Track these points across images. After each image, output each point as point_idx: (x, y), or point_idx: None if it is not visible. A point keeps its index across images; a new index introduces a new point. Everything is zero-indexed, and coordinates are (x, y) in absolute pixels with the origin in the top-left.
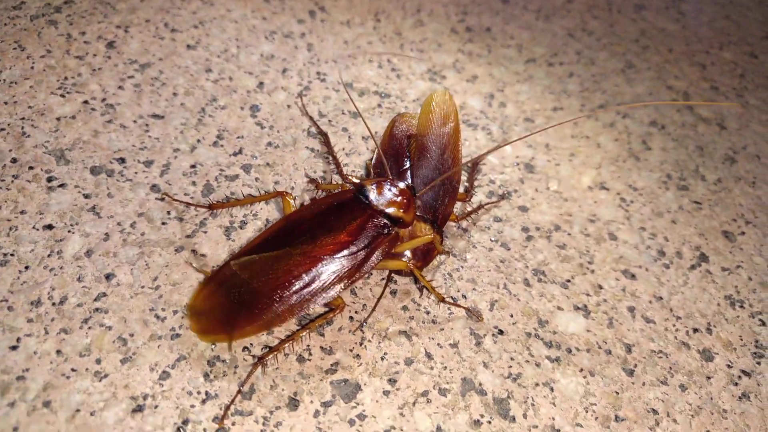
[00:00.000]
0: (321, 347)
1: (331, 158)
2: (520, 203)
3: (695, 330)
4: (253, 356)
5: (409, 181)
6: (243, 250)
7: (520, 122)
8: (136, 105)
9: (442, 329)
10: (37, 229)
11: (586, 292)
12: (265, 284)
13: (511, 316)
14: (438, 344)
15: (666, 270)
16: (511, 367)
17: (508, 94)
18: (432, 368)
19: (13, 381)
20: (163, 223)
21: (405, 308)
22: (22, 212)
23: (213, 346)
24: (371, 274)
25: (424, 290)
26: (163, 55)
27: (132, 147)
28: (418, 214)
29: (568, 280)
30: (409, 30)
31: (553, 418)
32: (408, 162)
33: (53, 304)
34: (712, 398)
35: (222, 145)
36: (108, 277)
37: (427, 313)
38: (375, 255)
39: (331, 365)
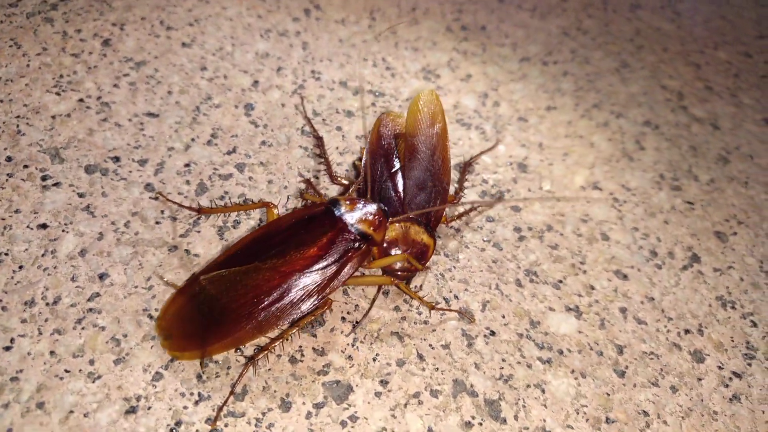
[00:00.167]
0: (313, 348)
1: (323, 161)
2: (512, 203)
3: (687, 331)
4: (245, 357)
5: (400, 183)
6: (213, 263)
7: (513, 121)
8: (131, 103)
9: (434, 330)
10: (32, 228)
11: (578, 292)
12: (234, 300)
13: (503, 317)
14: (430, 345)
15: (658, 270)
16: (502, 368)
17: (502, 93)
18: (424, 369)
19: (7, 382)
20: (157, 223)
21: (397, 309)
22: (16, 211)
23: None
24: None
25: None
26: (159, 53)
27: (126, 146)
28: (411, 216)
29: (560, 281)
30: (404, 28)
31: (544, 420)
32: (397, 163)
33: (47, 304)
34: (702, 400)
35: (216, 144)
36: (102, 276)
37: (419, 314)
38: (346, 269)
39: (323, 366)
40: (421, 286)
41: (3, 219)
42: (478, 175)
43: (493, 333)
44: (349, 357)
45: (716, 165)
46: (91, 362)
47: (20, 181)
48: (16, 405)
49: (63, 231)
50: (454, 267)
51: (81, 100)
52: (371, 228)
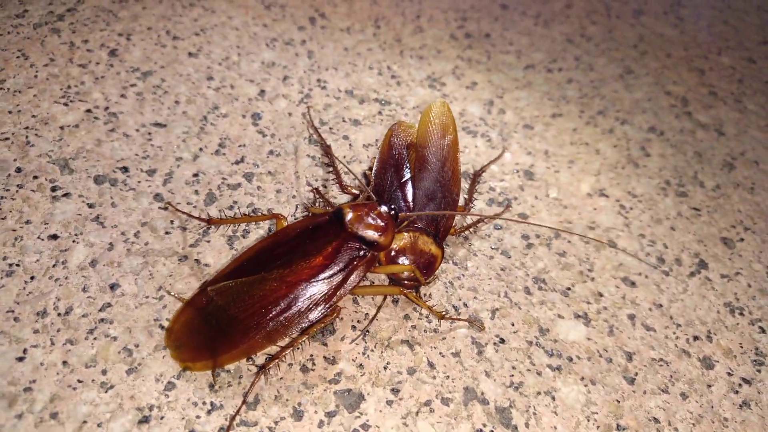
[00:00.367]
0: (324, 357)
1: (332, 170)
2: (520, 210)
3: (695, 338)
4: (256, 366)
5: (410, 193)
6: (221, 274)
7: (519, 129)
8: (138, 113)
9: (444, 338)
10: (42, 239)
11: (586, 300)
12: (242, 311)
13: (512, 324)
14: (440, 353)
15: (665, 277)
16: (512, 375)
17: (507, 100)
18: (434, 377)
19: (20, 392)
20: (167, 233)
21: (407, 317)
22: (27, 222)
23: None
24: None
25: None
26: (165, 62)
27: (135, 156)
28: (419, 226)
29: (569, 288)
30: (409, 36)
31: (555, 427)
32: (407, 173)
33: (59, 314)
34: (712, 406)
35: (224, 154)
36: (113, 287)
37: (429, 321)
38: (352, 277)
39: (335, 375)
40: (430, 294)
41: (14, 230)
42: (485, 182)
43: (502, 341)
44: (360, 365)
45: (722, 171)
46: (104, 372)
47: (30, 192)
48: (29, 415)
49: (73, 242)
50: (463, 275)
51: (89, 110)
52: (377, 233)
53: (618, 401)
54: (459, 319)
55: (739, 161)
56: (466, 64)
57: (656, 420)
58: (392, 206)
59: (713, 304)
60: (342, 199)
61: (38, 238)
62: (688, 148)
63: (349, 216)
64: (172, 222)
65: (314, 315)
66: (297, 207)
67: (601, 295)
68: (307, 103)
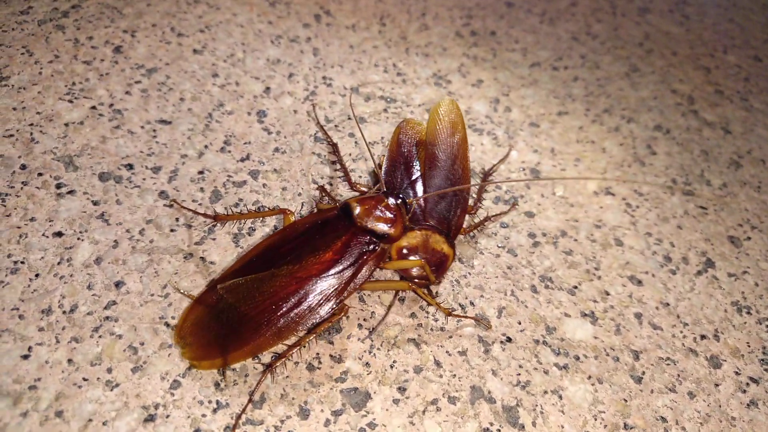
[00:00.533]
0: (330, 355)
1: (340, 168)
2: (526, 209)
3: (703, 337)
4: (263, 364)
5: (420, 190)
6: (228, 272)
7: (525, 127)
8: (143, 110)
9: (451, 337)
10: (47, 237)
11: (593, 298)
12: (253, 308)
13: (519, 323)
14: (447, 352)
15: (672, 276)
16: (519, 374)
17: (513, 98)
18: (441, 376)
19: (25, 390)
20: (172, 230)
21: (413, 315)
22: (31, 219)
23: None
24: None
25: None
26: (170, 59)
27: (140, 153)
28: (431, 224)
29: (575, 287)
30: (414, 34)
31: (562, 426)
32: (417, 170)
33: (64, 312)
34: (720, 406)
35: (229, 151)
36: (118, 285)
37: (436, 320)
38: (362, 272)
39: (341, 373)
40: (436, 292)
41: (18, 227)
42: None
43: (509, 339)
44: (367, 364)
45: (728, 169)
46: (109, 370)
47: (35, 189)
48: (34, 413)
49: (78, 239)
50: (470, 273)
51: (93, 107)
52: (387, 225)
53: (625, 400)
54: (466, 317)
55: (745, 159)
56: (472, 62)
57: (664, 419)
58: (399, 195)
59: (720, 302)
60: (348, 196)
61: (43, 235)
62: (695, 147)
63: (357, 210)
64: (177, 219)
65: (324, 310)
66: (303, 205)
67: (607, 293)
68: (312, 100)
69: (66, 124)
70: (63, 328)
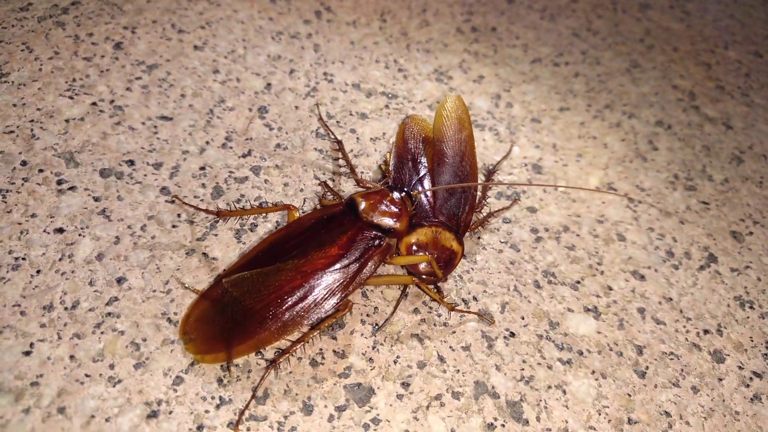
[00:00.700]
0: (334, 351)
1: (345, 164)
2: (528, 204)
3: (706, 331)
4: (266, 360)
5: (428, 186)
6: (234, 266)
7: (527, 122)
8: (144, 106)
9: (454, 332)
10: (48, 233)
11: (596, 293)
12: (258, 301)
13: (522, 318)
14: (450, 347)
15: (675, 271)
16: (523, 369)
17: (514, 94)
18: (445, 371)
19: (27, 387)
20: (174, 226)
21: (416, 311)
22: (32, 215)
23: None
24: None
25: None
26: (171, 56)
27: (141, 149)
28: (441, 219)
29: (578, 282)
30: (415, 30)
31: (566, 421)
32: (424, 167)
33: (65, 308)
34: (724, 400)
35: (231, 147)
36: (119, 281)
37: (439, 315)
38: (367, 267)
39: (345, 369)
40: (440, 288)
41: (20, 223)
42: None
43: (512, 334)
44: (370, 359)
45: (730, 165)
46: (111, 366)
47: (36, 185)
48: (36, 410)
49: (80, 235)
50: (472, 269)
51: (94, 103)
52: (392, 219)
53: (629, 395)
54: (469, 312)
55: (747, 155)
56: (473, 58)
57: (668, 414)
58: (404, 188)
59: (723, 297)
60: (351, 191)
61: (44, 231)
62: (696, 142)
63: (363, 205)
64: (179, 215)
65: (329, 305)
66: (305, 200)
67: (610, 288)
68: (313, 96)
69: (66, 121)
70: (65, 324)
